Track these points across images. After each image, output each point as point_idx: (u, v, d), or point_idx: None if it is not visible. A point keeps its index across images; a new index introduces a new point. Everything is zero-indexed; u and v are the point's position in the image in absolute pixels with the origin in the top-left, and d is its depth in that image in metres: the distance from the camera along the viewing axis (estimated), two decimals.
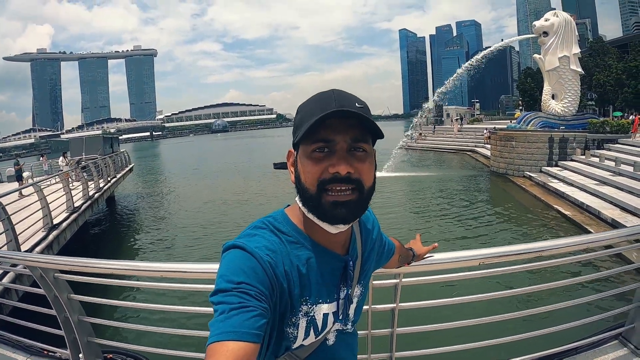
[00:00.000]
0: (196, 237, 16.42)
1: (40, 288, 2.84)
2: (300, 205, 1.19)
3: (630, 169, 17.57)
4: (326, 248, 1.22)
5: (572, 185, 19.66)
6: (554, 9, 31.76)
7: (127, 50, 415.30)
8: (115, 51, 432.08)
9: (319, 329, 1.20)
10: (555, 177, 22.00)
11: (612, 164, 19.35)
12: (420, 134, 51.90)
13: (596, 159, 21.55)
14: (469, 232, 15.52)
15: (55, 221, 10.62)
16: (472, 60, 36.43)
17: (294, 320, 1.15)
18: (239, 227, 16.37)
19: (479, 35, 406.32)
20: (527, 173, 24.61)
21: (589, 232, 14.10)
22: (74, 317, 2.79)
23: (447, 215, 18.17)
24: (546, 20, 27.96)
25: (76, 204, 12.83)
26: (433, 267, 2.22)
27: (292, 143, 1.19)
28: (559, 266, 7.99)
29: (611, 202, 15.73)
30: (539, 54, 28.80)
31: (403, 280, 2.37)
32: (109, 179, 19.44)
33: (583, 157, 23.27)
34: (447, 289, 8.41)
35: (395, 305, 2.47)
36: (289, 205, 1.29)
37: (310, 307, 1.17)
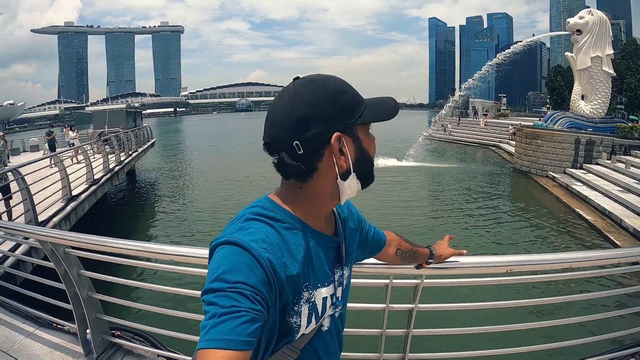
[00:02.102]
0: (212, 216, 16.53)
1: (50, 261, 2.82)
2: (353, 182, 1.17)
3: None
4: (320, 231, 1.21)
5: (595, 189, 19.19)
6: (589, 7, 30.82)
7: (154, 26, 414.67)
8: (142, 27, 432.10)
9: (319, 314, 1.19)
10: (578, 180, 21.49)
11: (639, 171, 18.86)
12: (442, 125, 51.17)
13: (622, 165, 20.93)
14: (487, 230, 15.37)
15: (75, 192, 10.74)
16: (503, 53, 35.83)
17: (296, 308, 1.12)
18: None
19: (509, 29, 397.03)
20: (551, 173, 24.12)
21: (609, 239, 13.92)
22: (83, 292, 2.77)
23: (466, 210, 18.00)
24: (580, 18, 27.06)
25: (96, 177, 12.97)
26: (457, 270, 2.14)
27: (342, 128, 1.12)
28: (582, 278, 7.81)
29: (634, 211, 15.31)
30: (571, 52, 28.06)
31: (425, 281, 2.27)
32: (130, 152, 19.61)
33: (609, 161, 22.57)
34: (467, 292, 8.28)
35: (413, 305, 2.39)
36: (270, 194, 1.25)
37: (311, 293, 1.15)
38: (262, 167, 24.96)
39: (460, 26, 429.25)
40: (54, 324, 3.45)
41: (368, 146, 1.18)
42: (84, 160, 12.80)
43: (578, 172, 22.67)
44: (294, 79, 1.14)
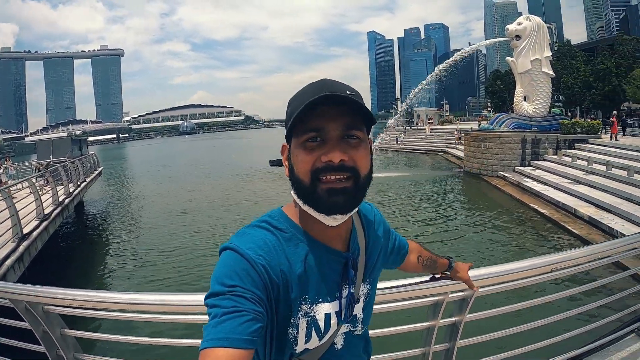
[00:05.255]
0: (167, 246, 15.65)
1: (24, 321, 2.47)
2: (296, 197, 1.14)
3: (603, 167, 18.15)
4: (325, 244, 1.17)
5: (546, 184, 20.17)
6: (521, 13, 32.45)
7: (94, 50, 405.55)
8: (82, 51, 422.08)
9: (322, 331, 1.15)
10: (529, 177, 22.50)
11: (585, 163, 19.94)
12: (396, 138, 52.40)
13: (568, 159, 22.15)
14: (449, 234, 15.59)
15: (25, 230, 9.91)
16: (445, 63, 37.11)
17: (293, 320, 1.10)
18: (214, 236, 15.83)
19: (446, 38, 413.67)
20: (501, 173, 25.13)
21: (566, 229, 14.59)
22: (69, 355, 2.42)
23: (423, 216, 18.28)
24: (519, 24, 28.66)
25: (46, 211, 12.11)
26: (509, 276, 2.23)
27: (285, 136, 1.14)
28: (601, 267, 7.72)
29: (586, 200, 16.19)
30: (509, 57, 29.52)
31: (479, 290, 2.20)
32: (78, 183, 18.59)
33: (555, 156, 23.92)
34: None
35: (461, 317, 2.33)
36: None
37: (310, 307, 1.12)
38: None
39: (399, 38, 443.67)
40: None
41: (295, 161, 1.11)
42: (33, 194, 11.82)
43: (527, 170, 23.79)
44: None
